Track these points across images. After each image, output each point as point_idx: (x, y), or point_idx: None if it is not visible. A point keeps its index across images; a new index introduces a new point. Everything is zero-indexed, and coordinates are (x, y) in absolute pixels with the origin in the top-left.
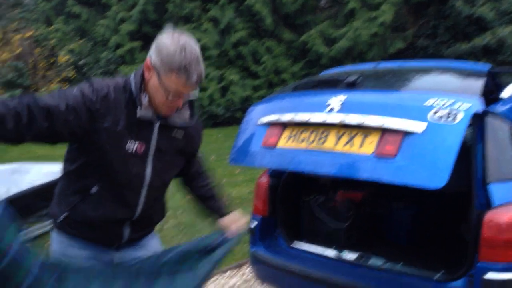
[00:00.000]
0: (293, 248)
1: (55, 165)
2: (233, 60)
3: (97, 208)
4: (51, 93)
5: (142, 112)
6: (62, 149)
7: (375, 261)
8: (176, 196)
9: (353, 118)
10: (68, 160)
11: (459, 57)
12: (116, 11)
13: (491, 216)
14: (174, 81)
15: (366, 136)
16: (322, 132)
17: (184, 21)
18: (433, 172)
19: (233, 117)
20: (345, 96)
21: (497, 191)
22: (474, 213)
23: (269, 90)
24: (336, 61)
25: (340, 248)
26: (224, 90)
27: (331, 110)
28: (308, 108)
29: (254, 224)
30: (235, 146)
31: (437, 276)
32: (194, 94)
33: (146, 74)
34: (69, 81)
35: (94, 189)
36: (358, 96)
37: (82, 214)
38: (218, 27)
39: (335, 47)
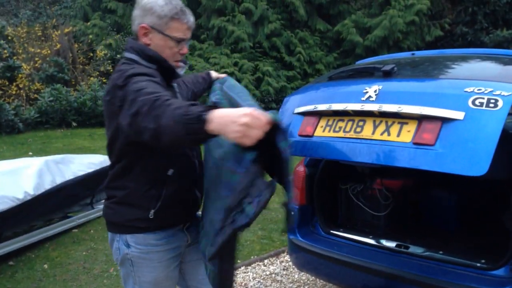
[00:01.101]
0: (330, 235)
1: (95, 156)
2: (267, 51)
3: (179, 189)
4: (146, 92)
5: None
6: (101, 141)
7: (415, 250)
8: None
9: (389, 107)
10: (136, 158)
11: (499, 44)
12: None
13: None
14: (177, 27)
15: (403, 124)
16: (359, 121)
17: (218, 13)
18: (473, 160)
19: (268, 108)
20: (381, 85)
21: None
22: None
23: (304, 81)
24: (371, 51)
25: (378, 237)
26: (259, 81)
27: (368, 99)
28: (344, 97)
29: (292, 212)
30: None
31: (479, 264)
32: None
33: (145, 40)
34: (107, 74)
35: (170, 172)
36: (395, 85)
37: (168, 200)
38: (251, 19)
39: (370, 36)
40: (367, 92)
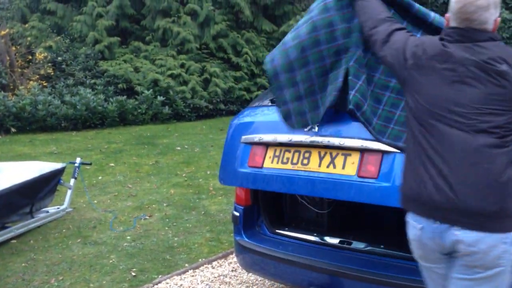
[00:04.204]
0: (276, 235)
1: (34, 163)
2: (214, 52)
3: None
4: None
5: None
6: (42, 147)
7: (357, 245)
8: (161, 189)
9: (332, 140)
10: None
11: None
12: (93, 7)
13: None
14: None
15: (347, 156)
16: (305, 152)
17: (163, 15)
18: None
19: (216, 109)
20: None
21: None
22: None
23: (251, 81)
24: None
25: (322, 234)
26: (206, 82)
27: (311, 130)
28: (288, 128)
29: (237, 213)
30: (222, 166)
31: None
32: None
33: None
34: (47, 78)
35: None
36: (336, 116)
37: None
38: (197, 20)
39: None
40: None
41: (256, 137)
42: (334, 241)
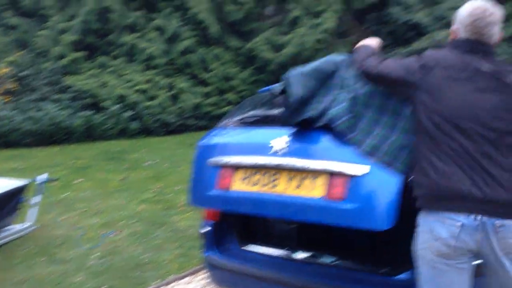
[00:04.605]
0: (246, 250)
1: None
2: (182, 68)
3: None
4: None
5: None
6: (6, 163)
7: (325, 259)
8: (130, 205)
9: (300, 162)
10: None
11: None
12: (56, 22)
13: None
14: None
15: (315, 178)
16: (274, 174)
17: (129, 30)
18: (379, 215)
19: (185, 124)
20: (290, 137)
21: None
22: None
23: (220, 97)
24: (284, 67)
25: (292, 249)
26: (175, 98)
27: (278, 151)
28: (255, 150)
29: (206, 229)
30: (191, 187)
31: (383, 270)
32: None
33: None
34: (11, 93)
35: None
36: (304, 137)
37: None
38: (164, 35)
39: (281, 53)
40: (276, 144)
41: (224, 159)
42: (303, 255)
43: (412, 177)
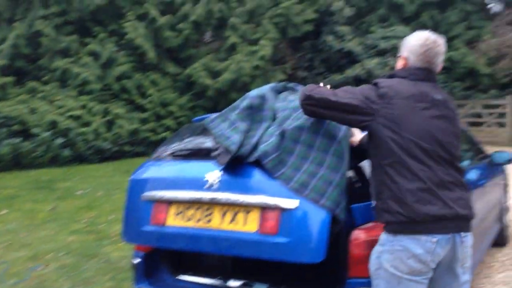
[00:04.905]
0: (179, 280)
1: None
2: (118, 93)
3: None
4: None
5: None
6: None
7: (259, 287)
8: (59, 236)
9: (232, 196)
10: None
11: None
12: None
13: (355, 234)
14: None
15: (248, 212)
16: (207, 209)
17: (62, 55)
18: (310, 248)
19: (121, 150)
20: (222, 172)
21: (357, 211)
22: (343, 232)
23: (157, 123)
24: (222, 93)
25: (225, 277)
26: (110, 124)
27: (211, 186)
28: (188, 184)
29: (137, 260)
30: (125, 223)
31: None
32: None
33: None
34: None
35: None
36: (235, 171)
37: None
38: (99, 61)
39: (219, 79)
40: (209, 179)
41: (158, 194)
42: (236, 284)
43: (378, 204)
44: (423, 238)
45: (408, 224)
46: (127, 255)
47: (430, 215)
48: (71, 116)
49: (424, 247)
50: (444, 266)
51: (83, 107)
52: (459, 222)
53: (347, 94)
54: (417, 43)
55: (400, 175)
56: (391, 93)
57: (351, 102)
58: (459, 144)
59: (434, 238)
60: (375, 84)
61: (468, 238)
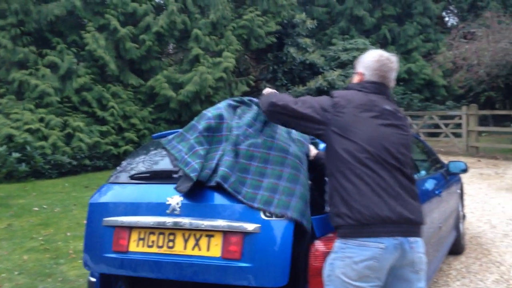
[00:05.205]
0: None
1: None
2: (77, 106)
3: None
4: None
5: None
6: None
7: None
8: (13, 256)
9: (194, 221)
10: None
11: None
12: None
13: (315, 246)
14: None
15: (211, 237)
16: (170, 235)
17: (19, 66)
18: (273, 272)
19: (81, 164)
20: (182, 197)
21: (317, 223)
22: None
23: (119, 136)
24: (185, 105)
25: None
26: (69, 137)
27: (172, 212)
28: (149, 209)
29: (93, 279)
30: (86, 249)
31: None
32: None
33: None
34: None
35: None
36: (196, 195)
37: None
38: (57, 72)
39: (182, 91)
40: (170, 204)
41: (118, 220)
42: None
43: (330, 209)
44: (371, 244)
45: (356, 228)
46: (85, 273)
47: (377, 218)
48: (28, 130)
49: (373, 253)
50: (395, 273)
51: (41, 120)
52: (407, 227)
53: (306, 104)
54: (373, 59)
55: (349, 181)
56: (342, 102)
57: (307, 112)
58: (409, 151)
59: (382, 244)
60: (331, 95)
61: (418, 244)
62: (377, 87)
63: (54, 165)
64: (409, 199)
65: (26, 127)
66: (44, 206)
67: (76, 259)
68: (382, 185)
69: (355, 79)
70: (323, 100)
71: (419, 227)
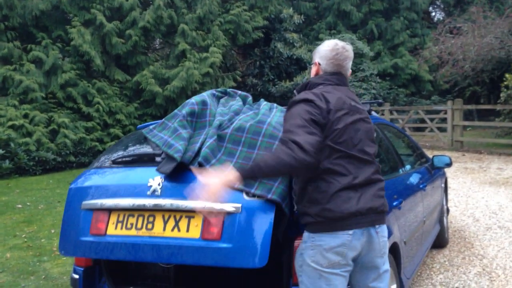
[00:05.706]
0: None
1: None
2: (62, 102)
3: None
4: None
5: None
6: None
7: None
8: None
9: (175, 202)
10: None
11: (284, 94)
12: None
13: (299, 241)
14: None
15: (191, 218)
16: (149, 217)
17: (3, 61)
18: (253, 253)
19: (65, 161)
20: (163, 178)
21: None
22: (288, 240)
23: (104, 132)
24: (171, 100)
25: None
26: (54, 133)
27: (153, 193)
28: (129, 191)
29: (76, 276)
30: (62, 234)
31: None
32: None
33: None
34: None
35: None
36: (177, 177)
37: None
38: (42, 68)
39: (168, 87)
40: (151, 186)
41: (98, 203)
42: None
43: (299, 208)
44: (340, 232)
45: (325, 224)
46: (69, 270)
47: (345, 213)
48: (12, 126)
49: (341, 240)
50: (363, 259)
51: (25, 116)
52: (374, 216)
53: (303, 128)
54: (328, 49)
55: (318, 178)
56: (320, 103)
57: (314, 137)
58: (375, 142)
59: (350, 231)
60: (306, 100)
61: (383, 229)
62: (336, 78)
63: (38, 162)
64: (376, 191)
65: (10, 123)
66: (28, 203)
67: (59, 257)
68: (350, 181)
69: (313, 70)
70: (305, 108)
71: (383, 214)
